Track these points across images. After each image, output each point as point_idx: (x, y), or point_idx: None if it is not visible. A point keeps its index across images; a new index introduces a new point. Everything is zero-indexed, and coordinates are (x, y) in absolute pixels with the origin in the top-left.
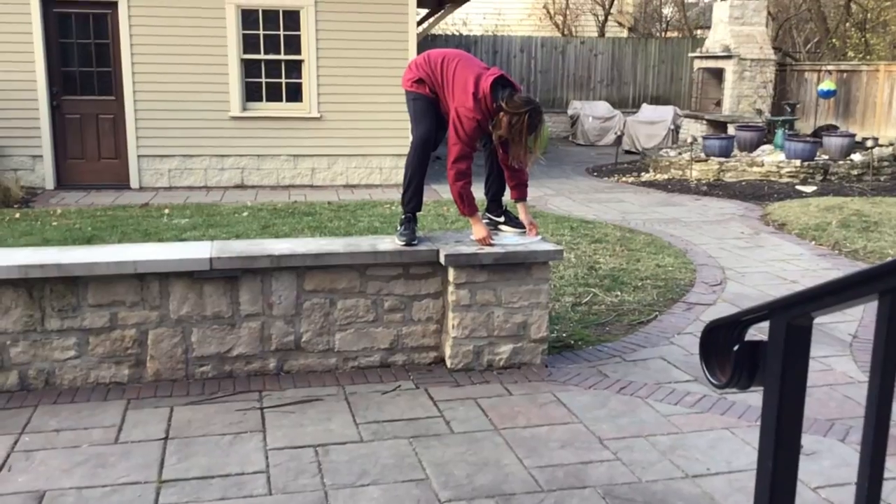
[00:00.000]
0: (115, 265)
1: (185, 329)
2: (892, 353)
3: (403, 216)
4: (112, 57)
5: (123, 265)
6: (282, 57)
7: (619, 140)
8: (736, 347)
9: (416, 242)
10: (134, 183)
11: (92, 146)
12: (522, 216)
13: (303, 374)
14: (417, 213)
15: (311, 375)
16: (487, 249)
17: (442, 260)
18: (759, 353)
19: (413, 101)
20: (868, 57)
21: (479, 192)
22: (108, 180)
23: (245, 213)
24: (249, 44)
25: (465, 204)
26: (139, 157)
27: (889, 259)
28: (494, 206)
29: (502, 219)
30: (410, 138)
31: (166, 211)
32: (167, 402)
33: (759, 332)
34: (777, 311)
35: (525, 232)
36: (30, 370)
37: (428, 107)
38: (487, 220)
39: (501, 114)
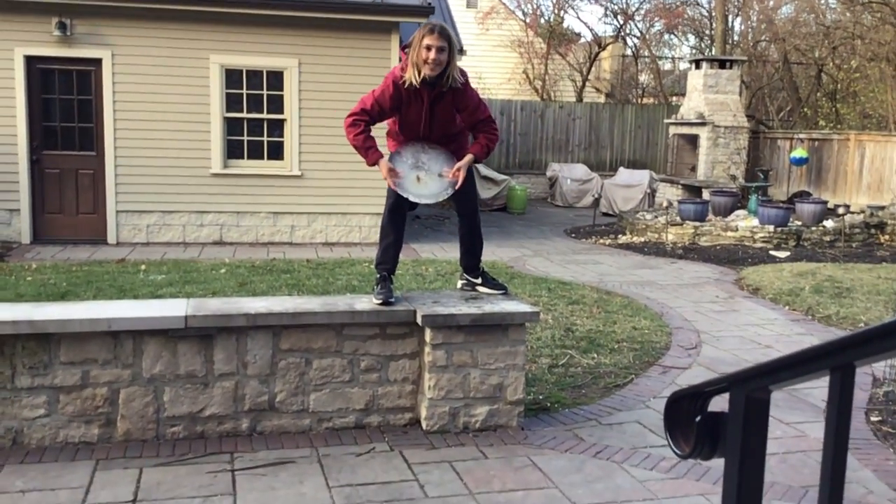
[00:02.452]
0: (88, 322)
1: (158, 388)
2: (843, 427)
3: (378, 275)
4: (94, 113)
5: (97, 322)
6: (264, 116)
7: (596, 202)
8: (698, 418)
9: (393, 301)
10: (111, 238)
11: (70, 201)
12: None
13: (276, 436)
14: (394, 273)
15: (284, 436)
16: (465, 310)
17: (419, 320)
18: (720, 424)
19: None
20: (839, 126)
21: (455, 252)
22: (85, 235)
23: (223, 270)
24: (232, 102)
25: (364, 153)
26: (118, 212)
27: (842, 334)
28: (469, 270)
29: (479, 280)
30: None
31: (143, 267)
32: (137, 463)
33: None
34: (736, 383)
35: (504, 292)
36: None
37: None
38: (465, 281)
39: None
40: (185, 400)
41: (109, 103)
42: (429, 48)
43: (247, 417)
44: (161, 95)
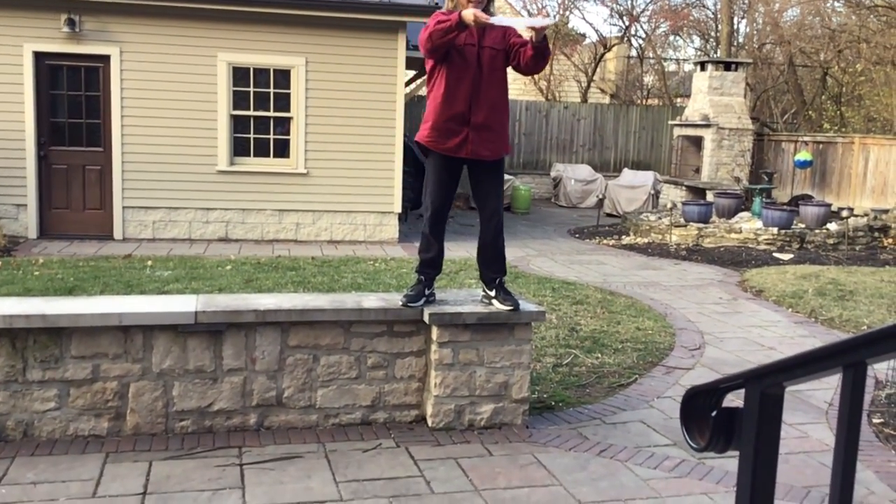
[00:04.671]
0: (100, 317)
1: (167, 383)
2: (855, 423)
3: (417, 278)
4: (102, 109)
5: (108, 317)
6: (271, 114)
7: (600, 203)
8: (714, 413)
9: (413, 305)
10: (118, 234)
11: (77, 196)
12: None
13: (283, 431)
14: (434, 279)
15: (291, 432)
16: (471, 308)
17: (426, 318)
18: (735, 419)
19: (427, 157)
20: (843, 129)
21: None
22: (91, 230)
23: (228, 267)
24: (239, 100)
25: (447, 19)
26: (124, 208)
27: (852, 335)
28: (489, 283)
29: (493, 292)
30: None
31: (149, 262)
32: (146, 457)
33: (737, 397)
34: (751, 380)
35: (515, 309)
36: (8, 421)
37: (436, 165)
38: (483, 294)
39: None
40: (193, 395)
41: (117, 100)
42: None
43: (255, 413)
44: (168, 92)
